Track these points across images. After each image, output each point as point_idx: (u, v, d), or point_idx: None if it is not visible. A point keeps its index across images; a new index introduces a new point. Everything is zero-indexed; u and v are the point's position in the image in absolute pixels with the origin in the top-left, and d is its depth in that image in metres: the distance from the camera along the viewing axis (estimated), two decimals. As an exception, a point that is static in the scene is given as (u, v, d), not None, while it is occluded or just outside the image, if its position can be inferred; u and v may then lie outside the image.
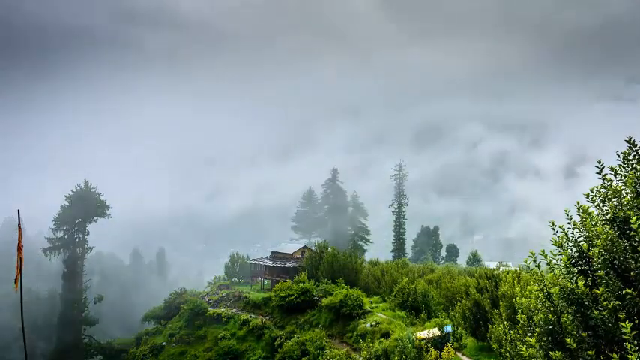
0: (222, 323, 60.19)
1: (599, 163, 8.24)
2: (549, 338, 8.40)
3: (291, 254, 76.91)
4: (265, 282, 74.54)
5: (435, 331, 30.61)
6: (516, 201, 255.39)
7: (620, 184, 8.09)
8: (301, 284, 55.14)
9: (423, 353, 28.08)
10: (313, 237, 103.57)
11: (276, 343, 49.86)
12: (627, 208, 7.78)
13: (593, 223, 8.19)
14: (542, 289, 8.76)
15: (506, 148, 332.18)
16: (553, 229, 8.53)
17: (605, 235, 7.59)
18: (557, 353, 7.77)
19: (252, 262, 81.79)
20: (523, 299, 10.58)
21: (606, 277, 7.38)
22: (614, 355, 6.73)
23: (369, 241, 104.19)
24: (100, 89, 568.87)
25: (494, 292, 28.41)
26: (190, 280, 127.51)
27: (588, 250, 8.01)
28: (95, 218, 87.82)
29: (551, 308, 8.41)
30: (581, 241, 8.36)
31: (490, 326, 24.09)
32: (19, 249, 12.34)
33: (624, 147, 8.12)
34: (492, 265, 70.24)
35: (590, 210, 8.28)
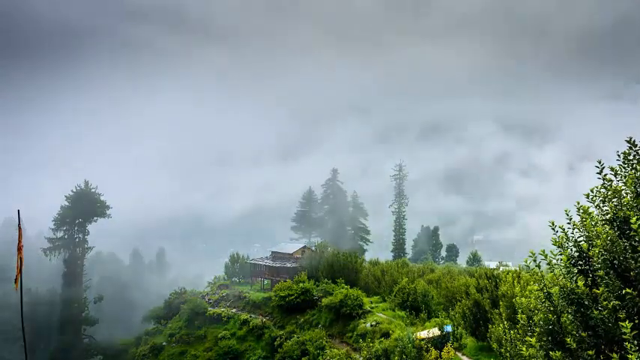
0: (222, 323, 60.23)
1: (600, 163, 8.24)
2: (549, 338, 8.40)
3: (291, 254, 76.92)
4: (265, 282, 74.55)
5: (435, 331, 30.62)
6: (517, 201, 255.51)
7: (620, 184, 8.09)
8: (301, 284, 55.18)
9: (423, 353, 28.08)
10: (313, 237, 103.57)
11: (276, 343, 49.89)
12: (627, 208, 7.78)
13: (593, 223, 8.19)
14: (542, 289, 8.76)
15: (509, 147, 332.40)
16: (553, 229, 8.54)
17: (605, 235, 7.59)
18: (557, 353, 7.77)
19: (252, 262, 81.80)
20: (523, 299, 10.58)
21: (606, 277, 7.38)
22: (614, 355, 6.73)
23: (369, 241, 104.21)
24: (100, 89, 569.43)
25: (494, 292, 28.41)
26: (190, 280, 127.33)
27: (588, 250, 8.01)
28: (95, 218, 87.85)
29: (551, 308, 8.42)
30: (581, 241, 8.36)
31: (490, 326, 24.09)
32: (19, 249, 12.34)
33: (625, 147, 8.13)
34: (492, 265, 70.26)
35: (590, 210, 8.28)
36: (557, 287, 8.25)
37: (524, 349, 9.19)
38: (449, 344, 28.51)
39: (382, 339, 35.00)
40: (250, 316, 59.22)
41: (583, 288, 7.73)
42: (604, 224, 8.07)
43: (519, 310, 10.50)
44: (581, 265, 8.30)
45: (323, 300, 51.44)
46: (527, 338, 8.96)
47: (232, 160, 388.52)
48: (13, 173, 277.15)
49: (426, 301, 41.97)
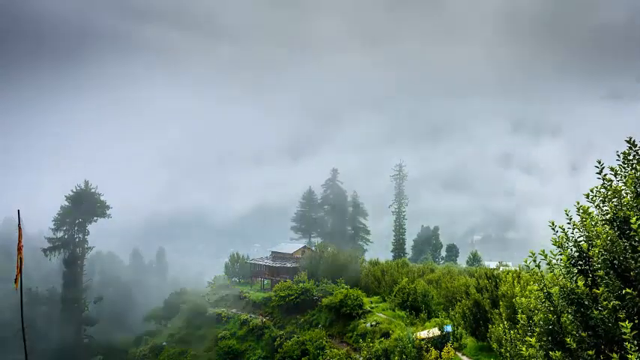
0: (222, 323, 60.24)
1: (600, 163, 8.24)
2: (549, 338, 8.40)
3: (291, 254, 76.93)
4: (265, 282, 74.56)
5: (435, 331, 30.62)
6: (518, 201, 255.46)
7: (620, 184, 8.09)
8: (301, 284, 55.21)
9: (423, 353, 28.08)
10: (313, 237, 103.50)
11: (276, 343, 49.89)
12: (627, 208, 7.78)
13: (593, 223, 8.19)
14: (542, 289, 8.76)
15: (510, 147, 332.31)
16: (553, 229, 8.54)
17: (605, 235, 7.59)
18: (557, 353, 7.77)
19: (252, 262, 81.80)
20: (523, 299, 10.58)
21: (606, 277, 7.38)
22: (614, 355, 6.73)
23: (369, 241, 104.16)
24: (101, 88, 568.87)
25: (494, 292, 28.40)
26: (190, 280, 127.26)
27: (588, 250, 8.01)
28: (95, 218, 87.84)
29: (551, 308, 8.41)
30: (581, 241, 8.36)
31: (490, 326, 24.08)
32: (19, 249, 12.34)
33: (624, 147, 8.13)
34: (492, 265, 70.22)
35: (590, 210, 8.28)
36: (557, 287, 8.25)
37: (524, 349, 9.19)
38: (449, 344, 28.52)
39: (382, 339, 35.00)
40: (250, 316, 59.22)
41: (583, 288, 7.73)
42: (604, 224, 8.07)
43: (519, 310, 10.50)
44: (581, 265, 8.30)
45: (323, 300, 51.44)
46: (527, 338, 8.96)
47: (233, 159, 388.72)
48: (13, 173, 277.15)
49: (426, 301, 41.96)
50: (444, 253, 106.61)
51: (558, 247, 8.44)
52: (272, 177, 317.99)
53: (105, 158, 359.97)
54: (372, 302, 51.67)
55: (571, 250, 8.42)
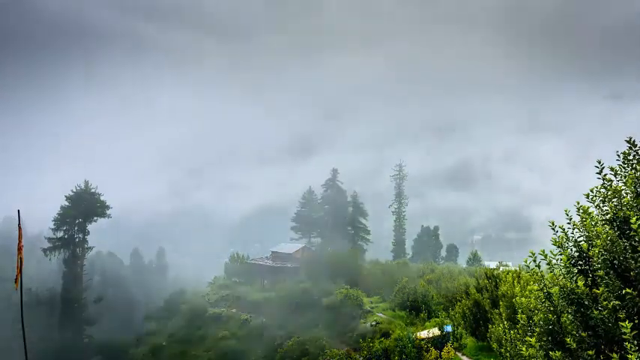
0: (222, 323, 60.22)
1: (599, 163, 8.25)
2: (549, 338, 8.40)
3: (291, 254, 76.96)
4: (265, 282, 74.58)
5: (435, 331, 30.65)
6: (518, 201, 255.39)
7: (620, 184, 8.09)
8: (301, 284, 55.23)
9: (423, 353, 28.09)
10: (313, 237, 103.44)
11: (276, 343, 49.91)
12: (627, 208, 7.78)
13: (593, 223, 8.19)
14: (542, 289, 8.76)
15: (512, 147, 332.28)
16: (553, 229, 8.54)
17: (605, 235, 7.59)
18: (557, 353, 7.78)
19: (252, 262, 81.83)
20: (523, 299, 10.58)
21: (606, 277, 7.38)
22: (614, 355, 6.73)
23: (369, 241, 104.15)
24: (101, 87, 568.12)
25: (494, 292, 28.41)
26: (190, 280, 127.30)
27: (588, 250, 8.01)
28: (95, 218, 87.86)
29: (551, 308, 8.42)
30: (581, 241, 8.37)
31: (490, 326, 24.07)
32: (19, 249, 12.34)
33: (624, 147, 8.13)
34: (492, 265, 70.25)
35: (590, 210, 8.28)
36: (557, 287, 8.25)
37: (524, 349, 9.19)
38: (449, 344, 28.52)
39: (382, 339, 35.00)
40: (250, 316, 59.21)
41: (583, 288, 7.73)
42: (604, 224, 8.08)
43: (519, 310, 10.50)
44: (581, 265, 8.30)
45: (323, 300, 51.46)
46: (527, 338, 8.97)
47: (234, 159, 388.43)
48: (12, 173, 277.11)
49: (426, 301, 41.99)
50: (444, 253, 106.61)
51: (558, 247, 8.44)
52: (273, 177, 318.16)
53: (105, 158, 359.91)
54: (372, 302, 51.70)
55: (571, 250, 8.42)
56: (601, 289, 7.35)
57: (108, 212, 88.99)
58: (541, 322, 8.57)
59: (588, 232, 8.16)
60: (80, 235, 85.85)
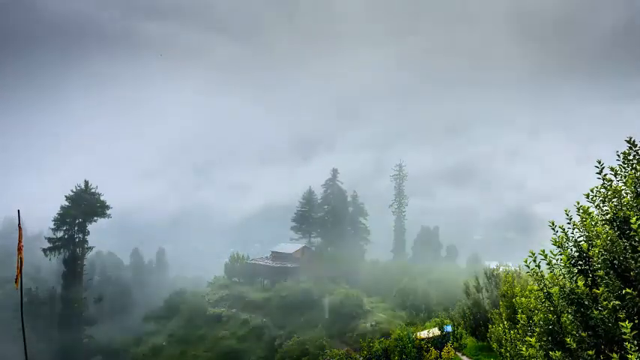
0: (222, 323, 60.25)
1: (600, 163, 8.25)
2: (549, 338, 8.40)
3: (291, 254, 76.96)
4: (265, 282, 74.59)
5: (435, 331, 30.64)
6: (518, 200, 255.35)
7: (620, 184, 8.10)
8: (301, 284, 55.22)
9: (423, 353, 28.08)
10: (313, 237, 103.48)
11: (276, 343, 49.91)
12: (627, 208, 7.79)
13: (593, 223, 8.19)
14: (542, 289, 8.76)
15: (513, 147, 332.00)
16: (553, 229, 8.54)
17: (605, 235, 7.59)
18: (557, 353, 7.78)
19: (252, 262, 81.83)
20: (523, 299, 10.58)
21: (606, 277, 7.38)
22: (614, 355, 6.73)
23: (369, 241, 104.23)
24: (102, 86, 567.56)
25: (494, 292, 28.42)
26: (190, 280, 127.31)
27: (588, 250, 8.01)
28: (95, 218, 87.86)
29: (551, 308, 8.42)
30: (581, 241, 8.37)
31: (490, 326, 24.08)
32: (19, 249, 12.34)
33: (625, 147, 8.14)
34: (492, 265, 70.28)
35: (590, 210, 8.28)
36: (557, 287, 8.25)
37: (524, 349, 9.19)
38: (449, 344, 28.52)
39: (382, 339, 35.01)
40: (250, 316, 59.22)
41: (583, 288, 7.73)
42: (604, 224, 8.08)
43: (519, 310, 10.50)
44: (581, 265, 8.30)
45: (323, 300, 51.47)
46: (527, 338, 8.97)
47: (236, 159, 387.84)
48: (12, 173, 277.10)
49: (426, 301, 42.02)
50: (444, 253, 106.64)
51: (558, 247, 8.45)
52: (275, 177, 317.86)
53: (105, 158, 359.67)
54: (372, 302, 51.71)
55: (571, 250, 8.42)
56: (601, 289, 7.35)
57: (108, 212, 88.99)
58: (541, 322, 8.57)
59: (588, 232, 8.16)
60: (80, 235, 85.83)
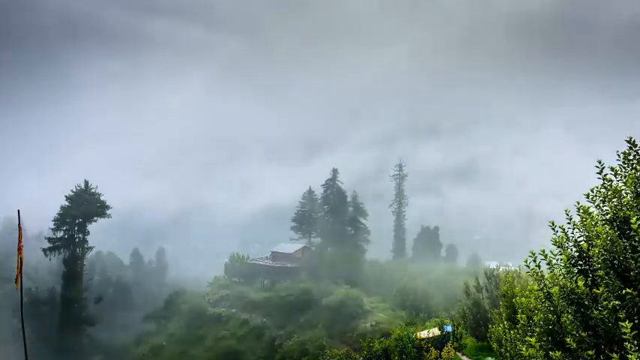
0: (222, 323, 60.25)
1: (600, 163, 8.25)
2: (549, 338, 8.40)
3: (291, 254, 76.98)
4: (265, 282, 74.57)
5: (435, 331, 30.65)
6: (519, 201, 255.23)
7: (620, 184, 8.10)
8: (301, 284, 55.21)
9: (423, 353, 28.08)
10: (313, 237, 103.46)
11: (276, 343, 49.91)
12: (627, 208, 7.78)
13: (593, 223, 8.19)
14: (542, 289, 8.77)
15: (515, 146, 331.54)
16: (553, 229, 8.54)
17: (605, 235, 7.59)
18: (557, 353, 7.78)
19: (252, 262, 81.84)
20: (523, 299, 10.58)
21: (606, 277, 7.38)
22: (614, 355, 6.73)
23: (369, 241, 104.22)
24: (102, 86, 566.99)
25: (494, 292, 28.43)
26: (190, 280, 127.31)
27: (588, 250, 8.01)
28: (95, 218, 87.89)
29: (551, 308, 8.42)
30: (581, 241, 8.37)
31: (490, 326, 24.09)
32: (19, 249, 12.34)
33: (625, 147, 8.14)
34: (492, 265, 70.34)
35: (590, 210, 8.28)
36: (557, 287, 8.25)
37: (524, 349, 9.19)
38: (449, 344, 28.52)
39: (382, 339, 35.02)
40: (250, 316, 59.21)
41: (583, 288, 7.73)
42: (604, 224, 8.08)
43: (519, 310, 10.50)
44: (581, 265, 8.30)
45: (323, 300, 51.45)
46: (527, 338, 8.97)
47: (236, 159, 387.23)
48: (12, 173, 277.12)
49: (426, 301, 42.03)
50: (444, 253, 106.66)
51: (558, 247, 8.45)
52: (275, 177, 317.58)
53: (105, 157, 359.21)
54: (372, 302, 51.70)
55: (571, 250, 8.42)
56: (601, 289, 7.35)
57: (108, 212, 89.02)
58: (541, 322, 8.57)
59: (588, 232, 8.16)
60: (80, 235, 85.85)
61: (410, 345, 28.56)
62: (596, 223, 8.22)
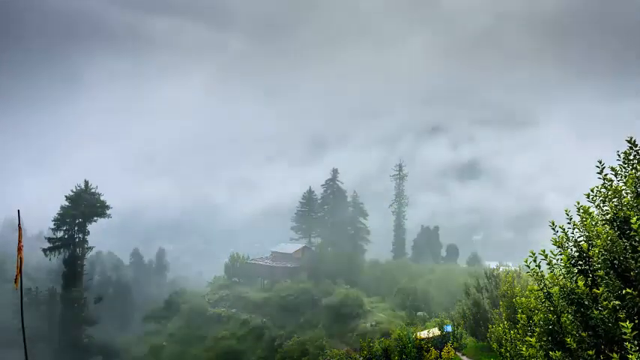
0: (222, 323, 60.26)
1: (600, 163, 8.26)
2: (549, 338, 8.40)
3: (291, 254, 77.00)
4: (265, 282, 74.57)
5: (435, 331, 30.64)
6: (519, 201, 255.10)
7: (620, 184, 8.10)
8: (301, 284, 55.21)
9: (423, 353, 28.07)
10: (313, 237, 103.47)
11: (276, 343, 49.92)
12: (627, 208, 7.79)
13: (593, 223, 8.19)
14: (542, 289, 8.77)
15: (515, 147, 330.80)
16: (553, 229, 8.55)
17: (605, 235, 7.59)
18: (557, 353, 7.78)
19: (252, 262, 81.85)
20: (523, 299, 10.59)
21: (606, 277, 7.38)
22: (614, 355, 6.73)
23: (369, 241, 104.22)
24: (103, 85, 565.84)
25: (494, 292, 28.43)
26: (190, 280, 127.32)
27: (588, 250, 8.01)
28: (95, 218, 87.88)
29: (551, 308, 8.42)
30: (581, 241, 8.37)
31: (490, 326, 24.09)
32: (19, 249, 12.35)
33: (625, 146, 8.14)
34: (492, 265, 70.36)
35: (590, 210, 8.29)
36: (557, 287, 8.26)
37: (524, 349, 9.20)
38: (449, 344, 28.51)
39: (382, 339, 35.01)
40: (250, 316, 59.22)
41: (583, 288, 7.73)
42: (604, 224, 8.08)
43: (519, 310, 10.50)
44: (581, 265, 8.30)
45: (323, 300, 51.45)
46: (527, 338, 8.97)
47: (236, 160, 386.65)
48: (12, 173, 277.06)
49: (426, 301, 42.03)
50: (444, 253, 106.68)
51: (558, 247, 8.45)
52: (275, 177, 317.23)
53: (105, 157, 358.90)
54: (372, 302, 51.71)
55: (571, 250, 8.42)
56: (601, 289, 7.35)
57: (108, 212, 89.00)
58: (541, 322, 8.58)
59: (588, 232, 8.17)
60: (80, 235, 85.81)
61: (410, 345, 28.55)
62: (597, 223, 8.22)
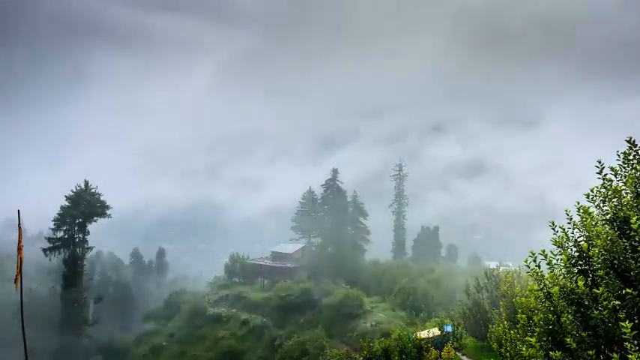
0: (222, 323, 60.26)
1: (600, 163, 8.26)
2: (549, 338, 8.41)
3: (291, 254, 77.00)
4: (265, 282, 74.57)
5: (435, 331, 30.63)
6: (519, 201, 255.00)
7: (620, 184, 8.10)
8: (301, 284, 55.23)
9: (423, 353, 28.07)
10: (313, 237, 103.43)
11: (276, 343, 49.92)
12: (627, 208, 7.79)
13: (593, 223, 8.19)
14: (542, 289, 8.77)
15: (515, 147, 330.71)
16: (553, 229, 8.55)
17: (605, 235, 7.59)
18: (557, 353, 7.78)
19: (252, 262, 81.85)
20: (523, 299, 10.59)
21: (606, 277, 7.39)
22: (614, 355, 6.73)
23: (369, 241, 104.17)
24: (103, 85, 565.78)
25: (495, 292, 28.43)
26: (190, 280, 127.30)
27: (588, 250, 8.01)
28: (95, 218, 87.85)
29: (551, 308, 8.42)
30: (581, 241, 8.37)
31: (490, 326, 24.09)
32: (19, 249, 12.34)
33: (625, 146, 8.14)
34: (492, 265, 70.35)
35: (590, 210, 8.29)
36: (557, 287, 8.26)
37: (524, 349, 9.20)
38: (449, 344, 28.51)
39: (382, 339, 35.01)
40: (250, 316, 59.22)
41: (583, 288, 7.73)
42: (604, 224, 8.08)
43: (519, 310, 10.50)
44: (581, 265, 8.30)
45: (323, 300, 51.46)
46: (527, 338, 8.97)
47: (237, 159, 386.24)
48: (13, 172, 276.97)
49: (426, 301, 42.03)
50: (444, 253, 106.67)
51: (558, 247, 8.45)
52: (275, 177, 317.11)
53: (105, 157, 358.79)
54: (372, 302, 51.70)
55: (571, 250, 8.42)
56: (601, 289, 7.35)
57: (108, 212, 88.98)
58: (541, 322, 8.58)
59: (588, 232, 8.17)
60: (80, 235, 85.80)
61: (410, 345, 28.54)
62: (596, 223, 8.22)
